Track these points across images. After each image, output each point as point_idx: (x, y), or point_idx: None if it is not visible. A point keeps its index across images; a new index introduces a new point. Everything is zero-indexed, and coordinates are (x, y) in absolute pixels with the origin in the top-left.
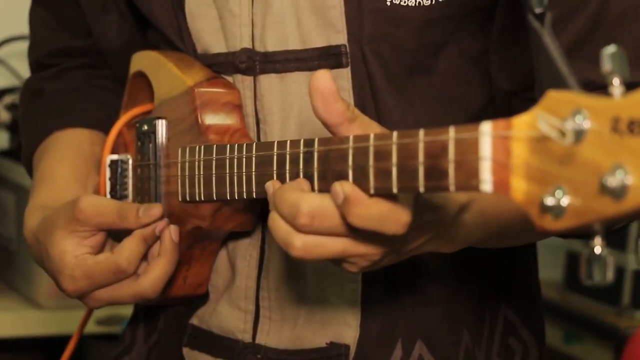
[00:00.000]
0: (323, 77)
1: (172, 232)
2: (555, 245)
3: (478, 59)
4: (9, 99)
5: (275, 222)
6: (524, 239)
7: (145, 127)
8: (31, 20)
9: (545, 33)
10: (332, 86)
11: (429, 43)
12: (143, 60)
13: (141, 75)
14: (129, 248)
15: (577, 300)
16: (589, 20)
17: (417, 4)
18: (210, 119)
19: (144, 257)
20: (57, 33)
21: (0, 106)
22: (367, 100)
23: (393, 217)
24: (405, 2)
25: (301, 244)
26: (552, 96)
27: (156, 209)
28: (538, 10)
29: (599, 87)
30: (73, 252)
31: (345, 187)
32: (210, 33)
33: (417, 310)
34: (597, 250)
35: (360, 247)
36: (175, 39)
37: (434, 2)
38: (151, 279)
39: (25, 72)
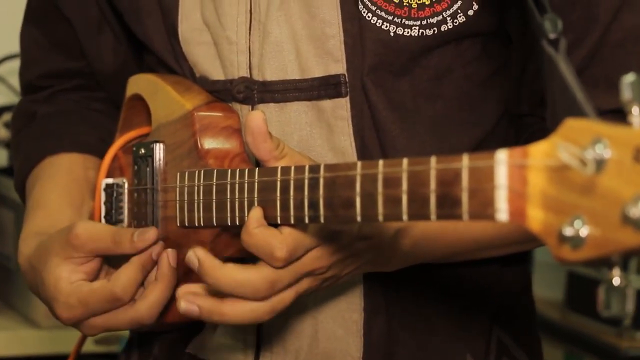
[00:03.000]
0: (256, 119)
1: (169, 257)
2: (555, 265)
3: (483, 82)
4: (8, 116)
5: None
6: (509, 250)
7: (143, 151)
8: (22, 39)
9: (559, 59)
10: (262, 127)
11: (433, 70)
12: (140, 84)
13: (138, 99)
14: (126, 275)
15: (577, 320)
16: (594, 45)
17: (420, 34)
18: (210, 143)
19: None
20: (49, 54)
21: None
22: (367, 129)
23: (252, 282)
24: (408, 32)
25: (232, 313)
26: (571, 125)
27: (151, 233)
28: (552, 36)
29: (603, 112)
30: (68, 278)
31: (198, 253)
32: (206, 59)
33: (418, 339)
34: (616, 281)
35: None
36: (172, 63)
37: (436, 32)
38: (148, 304)
39: None
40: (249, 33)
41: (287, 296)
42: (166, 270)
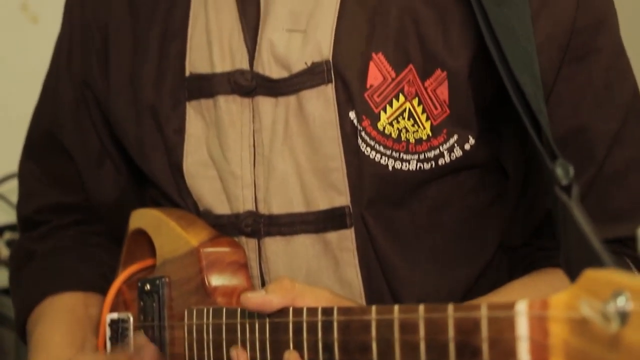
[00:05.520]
0: (250, 303)
1: None
2: None
3: (482, 212)
4: (9, 235)
5: None
6: None
7: (148, 287)
8: (21, 174)
9: (573, 205)
10: (259, 302)
11: (431, 201)
12: (143, 219)
13: (141, 233)
14: None
15: None
16: (590, 179)
17: (417, 168)
18: (217, 280)
19: None
20: (47, 188)
21: (1, 243)
22: (371, 260)
23: None
24: (406, 166)
25: None
26: (591, 276)
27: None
28: (564, 182)
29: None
30: None
31: None
32: (211, 193)
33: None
34: None
35: None
36: (175, 197)
37: (434, 165)
38: None
39: None
40: (254, 167)
41: None
42: None
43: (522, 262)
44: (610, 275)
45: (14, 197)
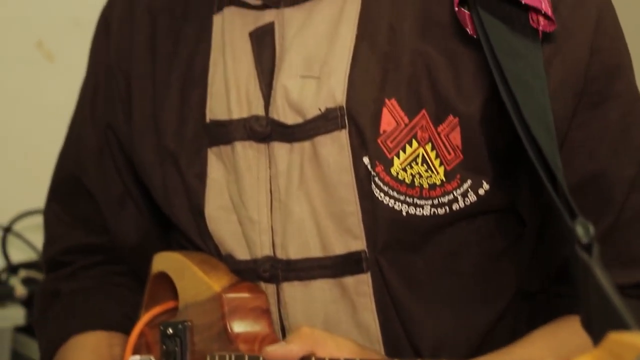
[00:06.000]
0: (272, 356)
1: None
2: None
3: (498, 257)
4: (24, 273)
5: None
6: None
7: (171, 331)
8: (45, 217)
9: (594, 264)
10: (281, 354)
11: (446, 246)
12: (166, 262)
13: (163, 276)
14: None
15: None
16: (609, 226)
17: (432, 213)
18: (239, 326)
19: None
20: (72, 230)
21: (16, 280)
22: (388, 304)
23: None
24: (420, 211)
25: None
26: (615, 339)
27: None
28: (585, 241)
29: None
30: None
31: None
32: (232, 238)
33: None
34: None
35: None
36: (197, 240)
37: (448, 211)
38: None
39: (40, 245)
40: (271, 212)
41: None
42: None
43: (541, 309)
44: (634, 339)
45: (29, 235)
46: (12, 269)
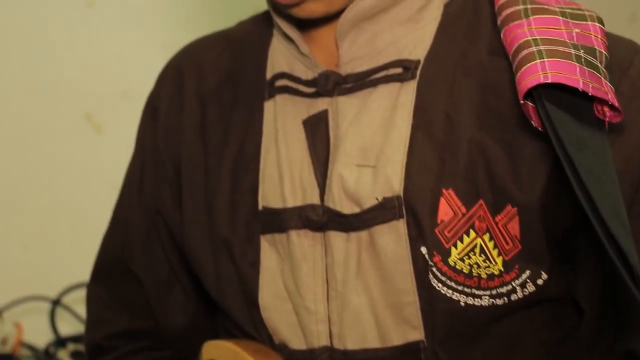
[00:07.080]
0: None
1: None
2: None
3: (556, 346)
4: (73, 346)
5: None
6: None
7: None
8: (88, 300)
9: None
10: None
11: (504, 337)
12: (217, 351)
13: None
14: None
15: None
16: None
17: (490, 304)
18: None
19: None
20: (116, 314)
21: (65, 354)
22: None
23: None
24: (478, 302)
25: None
26: None
27: None
28: None
29: None
30: None
31: None
32: (287, 327)
33: None
34: None
35: None
36: (249, 329)
37: (506, 301)
38: None
39: None
40: (328, 302)
41: None
42: None
43: None
44: None
45: (77, 308)
46: (61, 342)
